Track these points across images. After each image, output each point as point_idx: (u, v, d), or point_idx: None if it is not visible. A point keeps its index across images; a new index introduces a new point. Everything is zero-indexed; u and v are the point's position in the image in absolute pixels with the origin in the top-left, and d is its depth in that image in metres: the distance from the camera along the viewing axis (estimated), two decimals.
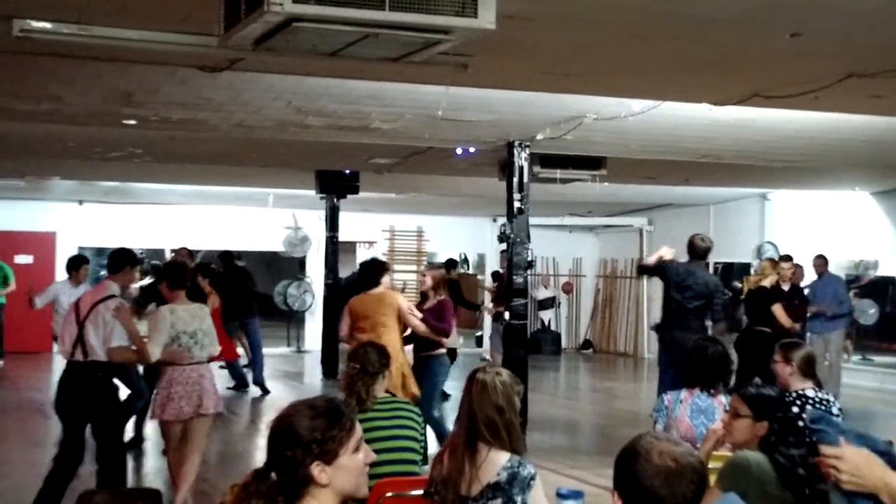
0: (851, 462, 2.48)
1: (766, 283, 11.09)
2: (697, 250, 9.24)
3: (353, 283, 14.82)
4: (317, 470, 2.56)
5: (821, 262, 13.50)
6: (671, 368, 8.75)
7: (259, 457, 9.38)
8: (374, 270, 8.51)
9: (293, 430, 2.59)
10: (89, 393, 6.68)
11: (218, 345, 7.02)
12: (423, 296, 9.06)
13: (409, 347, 8.72)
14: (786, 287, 11.50)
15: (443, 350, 8.74)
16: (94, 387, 6.69)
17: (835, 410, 5.53)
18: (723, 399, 5.52)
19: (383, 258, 18.58)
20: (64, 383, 6.76)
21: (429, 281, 8.87)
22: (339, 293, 15.43)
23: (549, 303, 20.72)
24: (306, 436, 2.57)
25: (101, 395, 6.75)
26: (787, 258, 11.96)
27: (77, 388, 6.69)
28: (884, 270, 15.59)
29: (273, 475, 2.57)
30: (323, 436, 2.57)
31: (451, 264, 14.76)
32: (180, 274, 7.06)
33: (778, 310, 10.78)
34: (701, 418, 5.47)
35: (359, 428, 2.66)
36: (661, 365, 9.41)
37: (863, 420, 11.30)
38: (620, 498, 2.37)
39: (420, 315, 8.44)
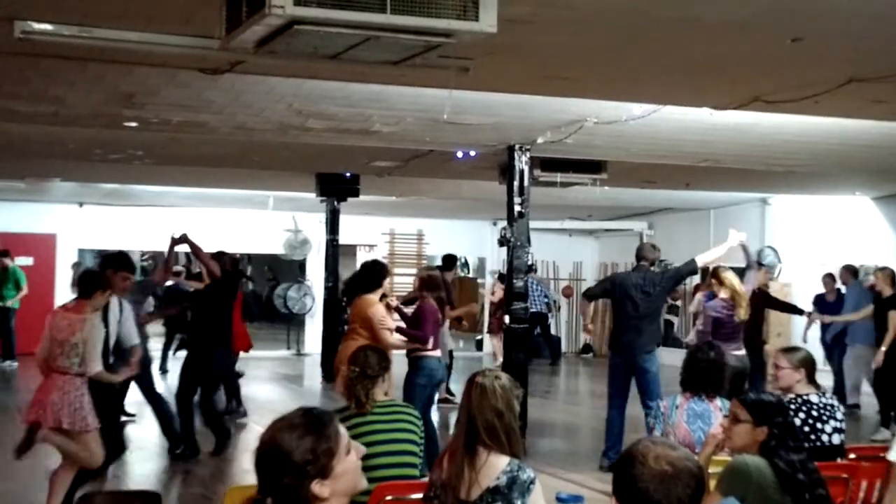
0: None
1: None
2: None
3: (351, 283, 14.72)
4: (317, 488, 2.50)
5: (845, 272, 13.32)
6: None
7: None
8: (374, 272, 8.23)
9: (284, 455, 2.49)
10: None
11: (93, 364, 6.60)
12: (416, 299, 8.67)
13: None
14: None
15: (431, 352, 8.27)
16: None
17: (839, 416, 5.53)
18: (719, 403, 5.53)
19: (384, 261, 18.57)
20: None
21: (416, 282, 8.60)
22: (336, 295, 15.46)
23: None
24: (299, 459, 2.48)
25: None
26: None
27: None
28: None
29: (269, 500, 2.51)
30: (315, 455, 2.49)
31: (447, 262, 13.21)
32: (82, 281, 7.02)
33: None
34: (698, 423, 5.49)
35: (343, 430, 2.60)
36: None
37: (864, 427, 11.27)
38: (619, 502, 2.38)
39: (392, 326, 7.99)
